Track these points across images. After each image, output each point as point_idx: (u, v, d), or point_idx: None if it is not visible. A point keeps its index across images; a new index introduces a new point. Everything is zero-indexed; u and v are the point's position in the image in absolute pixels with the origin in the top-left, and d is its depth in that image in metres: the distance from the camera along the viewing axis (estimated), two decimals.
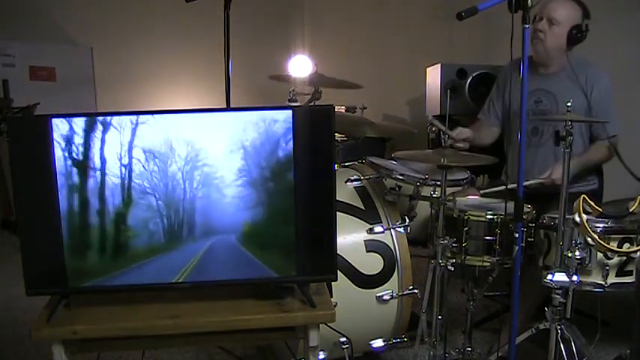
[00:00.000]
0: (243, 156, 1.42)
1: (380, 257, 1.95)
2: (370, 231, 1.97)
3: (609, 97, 2.30)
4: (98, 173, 1.39)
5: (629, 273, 1.81)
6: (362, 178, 2.12)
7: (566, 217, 1.76)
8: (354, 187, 2.09)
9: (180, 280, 1.45)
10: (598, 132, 2.32)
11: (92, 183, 1.39)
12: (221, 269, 1.46)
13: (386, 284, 1.95)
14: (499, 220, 1.90)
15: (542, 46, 2.28)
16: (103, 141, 1.38)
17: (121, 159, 1.39)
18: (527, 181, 2.15)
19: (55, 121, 1.36)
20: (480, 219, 1.93)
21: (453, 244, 1.91)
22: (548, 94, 2.34)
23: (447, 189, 1.92)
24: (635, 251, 1.78)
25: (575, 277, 1.74)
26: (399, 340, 2.04)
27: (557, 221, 1.79)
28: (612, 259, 1.80)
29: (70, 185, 1.38)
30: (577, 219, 1.71)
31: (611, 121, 2.26)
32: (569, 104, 1.76)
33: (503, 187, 2.14)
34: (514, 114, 2.39)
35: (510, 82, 2.44)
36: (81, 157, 1.38)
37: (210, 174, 1.42)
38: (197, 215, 1.43)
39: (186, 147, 1.40)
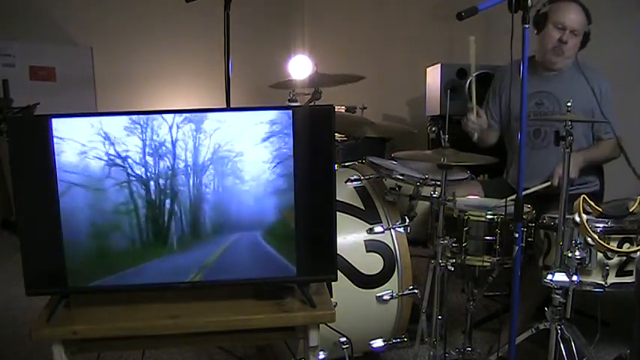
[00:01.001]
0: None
1: (380, 257, 1.95)
2: (370, 231, 1.97)
3: (611, 100, 2.31)
4: (98, 173, 1.39)
5: (629, 273, 1.81)
6: (362, 178, 2.12)
7: (566, 217, 1.76)
8: (354, 187, 2.09)
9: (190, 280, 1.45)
10: (599, 134, 2.34)
11: (92, 183, 1.39)
12: (240, 270, 1.46)
13: (386, 284, 1.95)
14: (499, 220, 1.90)
15: (562, 57, 2.29)
16: (103, 141, 1.38)
17: (120, 158, 1.39)
18: (532, 184, 2.16)
19: (55, 121, 1.36)
20: (480, 219, 1.93)
21: (453, 244, 1.91)
22: (549, 95, 2.34)
23: (447, 189, 1.92)
24: (635, 251, 1.78)
25: (575, 277, 1.74)
26: (399, 340, 2.04)
27: (557, 221, 1.79)
28: (612, 259, 1.79)
29: (70, 185, 1.38)
30: (577, 219, 1.71)
31: (613, 123, 2.26)
32: (569, 104, 1.77)
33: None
34: (514, 116, 2.39)
35: (510, 83, 2.43)
36: (81, 157, 1.38)
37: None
38: (210, 208, 1.42)
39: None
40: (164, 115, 1.39)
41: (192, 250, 1.43)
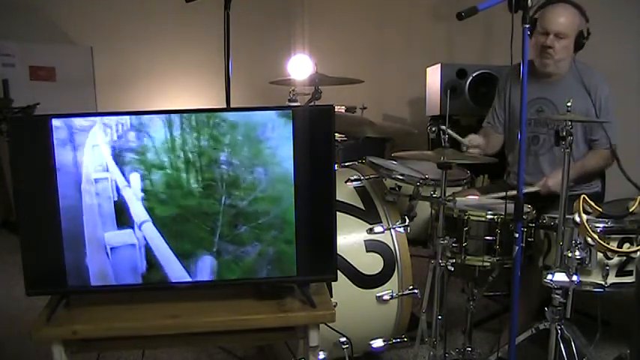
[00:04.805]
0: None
1: (380, 257, 1.95)
2: (370, 231, 1.97)
3: (612, 106, 2.28)
4: (98, 173, 1.39)
5: (629, 273, 1.81)
6: (362, 178, 2.12)
7: (566, 217, 1.76)
8: (354, 187, 2.09)
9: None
10: (596, 141, 2.31)
11: (92, 183, 1.39)
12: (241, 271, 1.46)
13: (386, 284, 1.95)
14: (499, 220, 1.90)
15: (552, 61, 2.25)
16: (103, 141, 1.38)
17: (119, 159, 1.39)
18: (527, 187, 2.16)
19: (55, 121, 1.37)
20: (480, 219, 1.92)
21: (453, 244, 1.91)
22: (550, 103, 2.31)
23: (447, 189, 1.92)
24: (635, 251, 1.78)
25: (575, 277, 1.73)
26: (399, 340, 2.04)
27: (557, 221, 1.79)
28: (612, 259, 1.80)
29: (70, 185, 1.38)
30: (577, 219, 1.71)
31: (612, 130, 2.24)
32: (569, 104, 1.76)
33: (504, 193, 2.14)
34: (515, 122, 2.38)
35: (510, 86, 2.42)
36: (81, 157, 1.38)
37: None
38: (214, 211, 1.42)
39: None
40: (166, 115, 1.39)
41: (195, 252, 1.43)
